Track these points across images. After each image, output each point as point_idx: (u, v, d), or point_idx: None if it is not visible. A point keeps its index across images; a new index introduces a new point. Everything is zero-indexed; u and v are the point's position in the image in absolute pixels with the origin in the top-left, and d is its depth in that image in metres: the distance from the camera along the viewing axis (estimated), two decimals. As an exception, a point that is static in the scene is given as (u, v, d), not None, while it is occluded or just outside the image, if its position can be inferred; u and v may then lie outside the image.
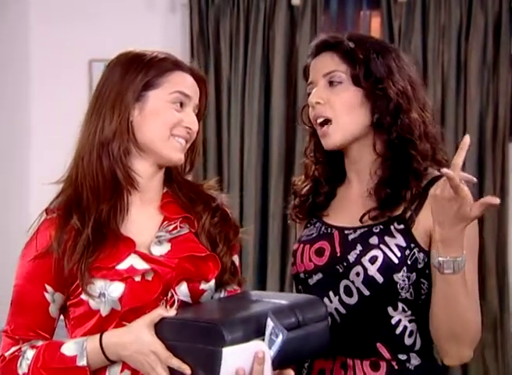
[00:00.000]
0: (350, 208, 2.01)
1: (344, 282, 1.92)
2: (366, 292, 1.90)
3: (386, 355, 1.93)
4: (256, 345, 1.68)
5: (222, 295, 1.91)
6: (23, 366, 1.79)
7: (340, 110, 1.93)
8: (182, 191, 1.93)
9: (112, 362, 1.77)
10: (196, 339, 1.68)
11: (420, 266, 1.91)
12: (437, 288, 1.86)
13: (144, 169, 1.87)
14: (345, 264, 1.92)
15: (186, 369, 1.68)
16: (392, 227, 1.92)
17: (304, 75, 2.05)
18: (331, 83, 1.94)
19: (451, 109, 4.31)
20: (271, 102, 4.41)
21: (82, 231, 1.80)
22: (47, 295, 1.83)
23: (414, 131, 1.93)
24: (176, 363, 1.69)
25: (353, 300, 1.92)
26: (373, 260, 1.89)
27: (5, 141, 4.43)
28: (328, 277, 1.95)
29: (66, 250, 1.80)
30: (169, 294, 1.81)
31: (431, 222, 1.81)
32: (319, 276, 1.97)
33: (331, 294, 1.94)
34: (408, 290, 1.90)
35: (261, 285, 4.39)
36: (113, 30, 4.49)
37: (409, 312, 1.93)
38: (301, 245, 2.02)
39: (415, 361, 1.94)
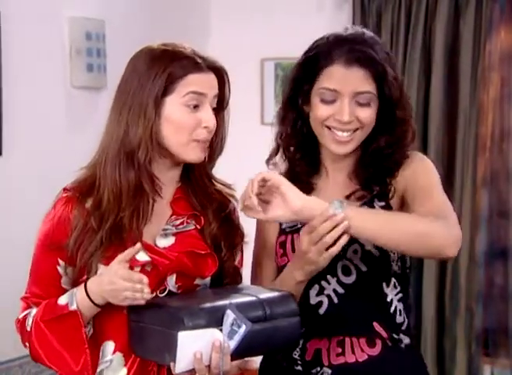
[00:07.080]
0: (329, 196, 2.00)
1: (342, 262, 2.00)
2: (364, 268, 1.99)
3: (383, 333, 2.02)
4: (212, 334, 1.72)
5: None
6: (29, 322, 1.91)
7: (366, 124, 2.02)
8: (197, 194, 1.96)
9: (100, 307, 1.85)
10: (162, 323, 1.76)
11: None
12: None
13: (163, 171, 1.92)
14: None
15: (145, 287, 1.77)
16: (375, 205, 2.03)
17: (314, 60, 2.01)
18: (360, 102, 1.99)
19: None
20: (430, 96, 4.30)
21: (97, 232, 1.87)
22: (59, 268, 1.91)
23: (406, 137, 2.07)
24: (137, 277, 1.77)
25: (351, 278, 2.00)
26: None
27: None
28: None
29: (80, 248, 1.87)
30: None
31: (401, 188, 2.01)
32: None
33: (328, 277, 2.01)
34: (397, 262, 2.02)
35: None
36: (284, 29, 4.59)
37: (398, 289, 2.04)
38: (289, 236, 2.05)
39: (406, 340, 2.05)
